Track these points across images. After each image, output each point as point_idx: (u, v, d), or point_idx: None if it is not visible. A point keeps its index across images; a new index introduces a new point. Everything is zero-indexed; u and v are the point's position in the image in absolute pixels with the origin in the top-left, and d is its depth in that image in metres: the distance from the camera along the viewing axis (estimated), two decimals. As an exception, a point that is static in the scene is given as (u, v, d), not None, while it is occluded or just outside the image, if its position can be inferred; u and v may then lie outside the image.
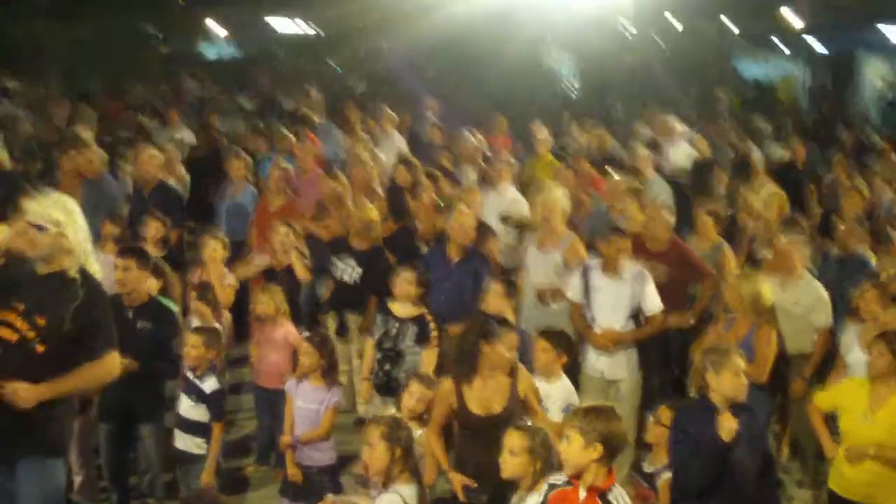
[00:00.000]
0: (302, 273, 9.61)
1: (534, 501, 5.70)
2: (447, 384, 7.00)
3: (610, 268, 8.76)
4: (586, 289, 8.85)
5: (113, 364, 5.99)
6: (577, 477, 5.37)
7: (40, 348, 5.78)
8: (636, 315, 8.78)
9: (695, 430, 6.31)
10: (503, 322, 7.18)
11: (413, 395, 7.00)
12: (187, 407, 7.66)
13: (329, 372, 7.59)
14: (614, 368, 8.74)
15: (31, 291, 5.82)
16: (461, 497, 6.83)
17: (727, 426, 6.12)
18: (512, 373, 6.92)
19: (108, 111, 20.29)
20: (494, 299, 8.18)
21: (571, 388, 7.72)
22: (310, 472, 7.50)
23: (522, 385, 6.91)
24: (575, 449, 5.32)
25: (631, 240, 9.00)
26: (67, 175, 12.57)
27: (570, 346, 8.04)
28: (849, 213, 11.30)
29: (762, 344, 8.04)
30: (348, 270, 9.84)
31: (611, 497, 5.36)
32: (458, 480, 6.86)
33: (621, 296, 8.70)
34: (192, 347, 7.66)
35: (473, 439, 6.85)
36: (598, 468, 5.33)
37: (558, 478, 5.55)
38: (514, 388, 6.87)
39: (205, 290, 8.80)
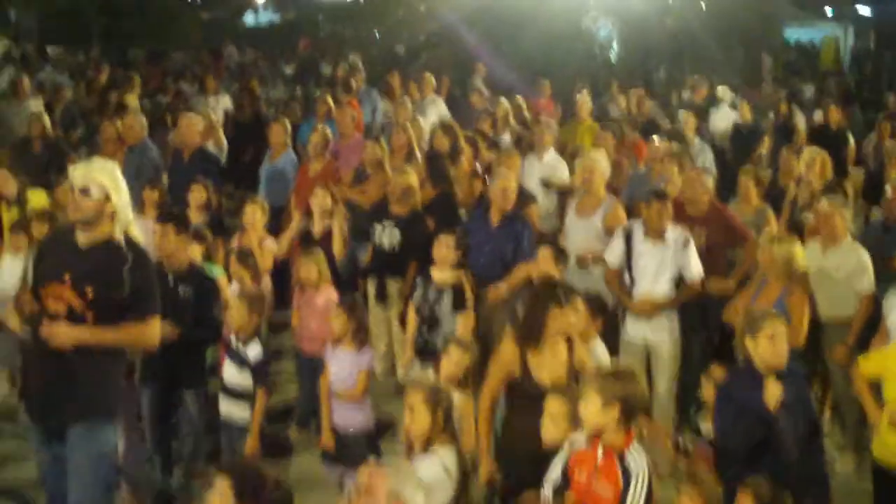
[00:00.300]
0: (338, 247, 9.59)
1: (561, 463, 5.73)
2: (510, 350, 6.78)
3: (653, 232, 8.67)
4: (629, 253, 8.76)
5: (155, 329, 6.05)
6: (596, 436, 5.39)
7: (90, 317, 5.84)
8: (678, 280, 8.69)
9: (739, 396, 6.29)
10: (570, 289, 7.02)
11: (452, 360, 6.97)
12: (231, 373, 7.68)
13: (358, 334, 7.58)
14: (655, 333, 8.68)
15: (77, 262, 5.88)
16: (482, 482, 6.75)
17: (771, 393, 6.08)
18: (570, 342, 6.76)
19: (148, 78, 20.35)
20: (544, 264, 8.13)
21: (605, 351, 7.66)
22: (347, 435, 7.52)
23: (578, 354, 6.73)
24: (593, 409, 5.36)
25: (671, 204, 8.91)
26: (108, 141, 12.68)
27: (604, 308, 7.97)
28: (894, 177, 11.16)
29: (796, 308, 7.92)
30: (387, 235, 9.84)
31: (628, 457, 5.37)
32: (486, 470, 6.74)
33: (664, 261, 8.62)
34: (235, 313, 7.68)
35: (529, 409, 6.39)
36: (616, 429, 5.35)
37: (579, 437, 5.55)
38: (572, 358, 6.71)
39: (244, 255, 8.83)
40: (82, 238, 5.93)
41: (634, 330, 8.78)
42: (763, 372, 6.20)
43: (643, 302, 8.69)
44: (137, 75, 19.05)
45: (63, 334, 5.76)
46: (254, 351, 7.62)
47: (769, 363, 6.20)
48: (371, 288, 10.05)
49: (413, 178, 10.04)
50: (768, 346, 6.20)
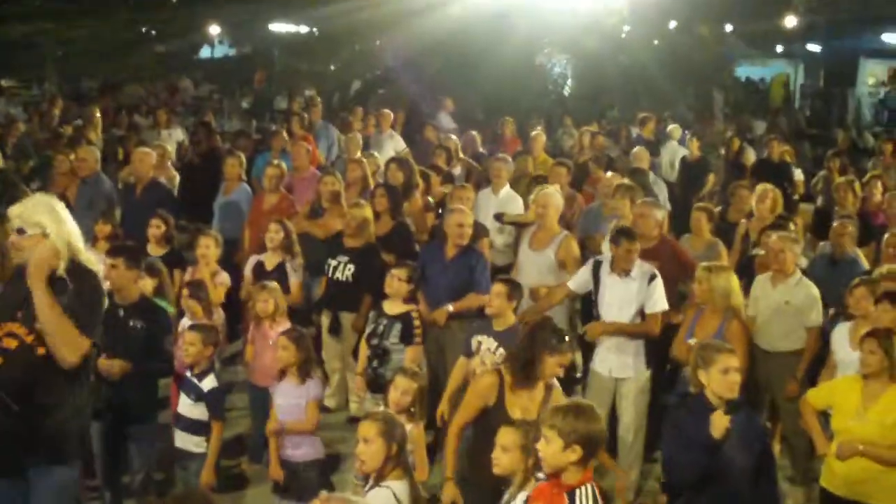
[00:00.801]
0: (295, 291, 9.70)
1: (523, 498, 5.74)
2: (490, 381, 6.91)
3: (618, 268, 8.72)
4: (596, 284, 8.80)
5: (81, 344, 5.85)
6: (555, 475, 5.37)
7: (41, 350, 5.82)
8: (643, 314, 8.73)
9: (687, 427, 6.30)
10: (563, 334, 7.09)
11: (398, 389, 6.99)
12: (186, 405, 7.64)
13: (305, 366, 7.56)
14: (621, 369, 8.71)
15: (27, 299, 5.83)
16: None
17: (719, 424, 6.11)
18: (549, 386, 6.84)
19: (102, 111, 20.28)
20: (497, 300, 8.13)
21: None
22: (297, 468, 7.49)
23: (555, 397, 6.75)
24: (554, 450, 5.29)
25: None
26: (62, 175, 12.65)
27: None
28: (841, 212, 11.34)
29: (735, 339, 7.97)
30: (341, 268, 9.85)
31: (577, 495, 5.31)
32: (450, 494, 6.87)
33: (629, 294, 8.66)
34: (189, 345, 7.64)
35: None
36: (576, 468, 5.32)
37: (541, 474, 5.58)
38: (547, 401, 6.73)
39: (196, 288, 8.80)
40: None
41: (602, 364, 8.78)
42: (715, 404, 6.24)
43: (592, 326, 8.71)
44: (97, 109, 18.98)
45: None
46: (208, 384, 7.59)
47: (722, 395, 6.25)
48: (325, 321, 10.06)
49: (368, 211, 10.07)
50: (721, 380, 6.24)
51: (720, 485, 6.19)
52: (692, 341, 8.18)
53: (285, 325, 8.65)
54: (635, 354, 8.73)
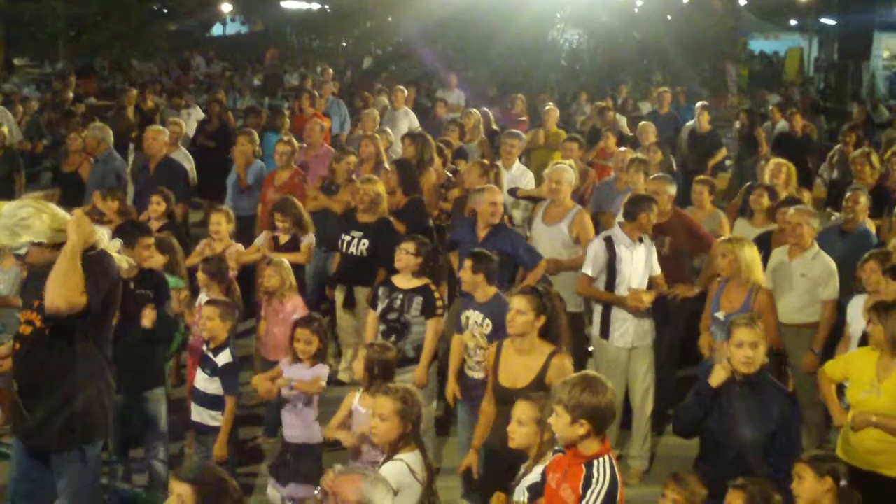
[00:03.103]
0: (304, 250, 9.81)
1: (540, 470, 5.75)
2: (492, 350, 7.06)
3: (636, 236, 8.72)
4: (612, 260, 8.69)
5: (74, 299, 5.74)
6: (572, 447, 5.39)
7: (48, 332, 5.90)
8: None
9: (698, 384, 6.44)
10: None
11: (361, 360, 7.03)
12: (202, 380, 7.64)
13: (318, 353, 7.58)
14: (640, 334, 8.71)
15: (41, 287, 5.86)
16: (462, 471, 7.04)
17: (717, 373, 6.22)
18: (553, 353, 6.81)
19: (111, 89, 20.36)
20: (464, 274, 8.01)
21: None
22: (294, 450, 7.48)
23: (552, 373, 6.68)
24: (563, 424, 5.33)
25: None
26: (75, 153, 12.68)
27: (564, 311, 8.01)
28: (857, 185, 11.29)
29: (764, 310, 8.03)
30: (355, 243, 9.85)
31: (595, 465, 5.34)
32: (467, 461, 7.07)
33: (647, 260, 8.72)
34: (208, 319, 7.65)
35: (499, 410, 6.85)
36: (591, 440, 5.34)
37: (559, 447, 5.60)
38: (544, 371, 6.73)
39: (209, 263, 8.81)
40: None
41: (622, 338, 8.72)
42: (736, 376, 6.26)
43: (635, 295, 8.56)
44: (102, 86, 19.04)
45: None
46: (223, 359, 7.59)
47: (737, 369, 6.25)
48: (340, 296, 10.06)
49: (380, 186, 10.05)
50: (735, 353, 6.25)
51: (723, 454, 6.23)
52: (719, 314, 8.20)
53: (296, 300, 8.68)
54: (651, 325, 8.76)
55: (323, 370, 7.56)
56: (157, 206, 10.19)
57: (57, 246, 5.81)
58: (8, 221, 5.93)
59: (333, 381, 7.91)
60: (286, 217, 9.90)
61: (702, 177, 11.44)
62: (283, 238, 9.94)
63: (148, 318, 7.54)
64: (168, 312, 7.91)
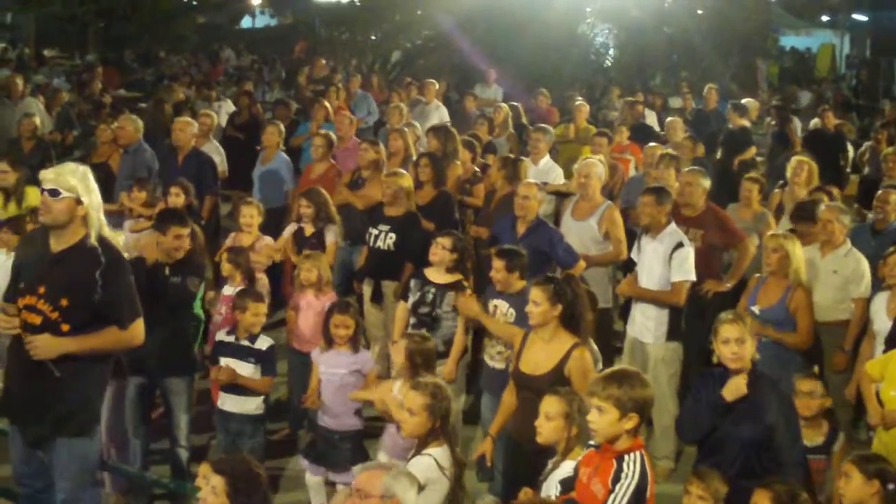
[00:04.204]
0: (329, 249, 9.76)
1: (569, 467, 5.71)
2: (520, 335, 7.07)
3: (643, 225, 8.72)
4: (638, 251, 8.81)
5: (137, 331, 6.03)
6: (609, 443, 5.36)
7: (65, 328, 5.83)
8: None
9: (703, 386, 6.31)
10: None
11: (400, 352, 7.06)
12: (238, 369, 7.63)
13: (356, 338, 7.60)
14: (642, 330, 8.69)
15: (51, 273, 5.87)
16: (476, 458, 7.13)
17: (733, 387, 6.08)
18: (572, 347, 6.77)
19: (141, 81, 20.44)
20: (497, 274, 7.95)
21: (594, 348, 7.67)
22: (332, 438, 7.50)
23: (571, 364, 6.69)
24: (609, 420, 5.29)
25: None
26: (104, 143, 12.72)
27: (594, 305, 8.01)
28: (889, 182, 11.20)
29: (800, 307, 8.04)
30: (382, 237, 9.81)
31: (626, 460, 5.33)
32: (482, 449, 7.07)
33: (655, 257, 8.60)
34: (252, 315, 7.67)
35: (519, 398, 6.89)
36: (628, 435, 5.33)
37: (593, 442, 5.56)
38: (564, 361, 6.71)
39: (234, 253, 8.80)
40: (55, 243, 5.92)
41: (631, 325, 8.82)
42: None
43: (622, 284, 8.86)
44: (131, 77, 19.12)
45: (45, 346, 5.77)
46: (264, 343, 7.66)
47: (725, 364, 6.17)
48: (367, 290, 10.03)
49: (406, 179, 10.01)
50: (721, 349, 6.16)
51: (724, 453, 6.14)
52: (755, 308, 8.16)
53: (331, 295, 8.70)
54: (657, 321, 8.65)
55: (367, 361, 7.60)
56: (175, 197, 10.10)
57: (78, 221, 5.85)
58: (77, 168, 6.03)
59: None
60: (310, 203, 9.88)
61: (752, 174, 11.33)
62: (308, 230, 9.90)
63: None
64: (191, 288, 7.89)
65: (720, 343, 6.17)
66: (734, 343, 6.12)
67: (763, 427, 6.06)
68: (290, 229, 10.09)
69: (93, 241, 5.87)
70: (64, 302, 5.80)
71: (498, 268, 7.88)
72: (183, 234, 7.89)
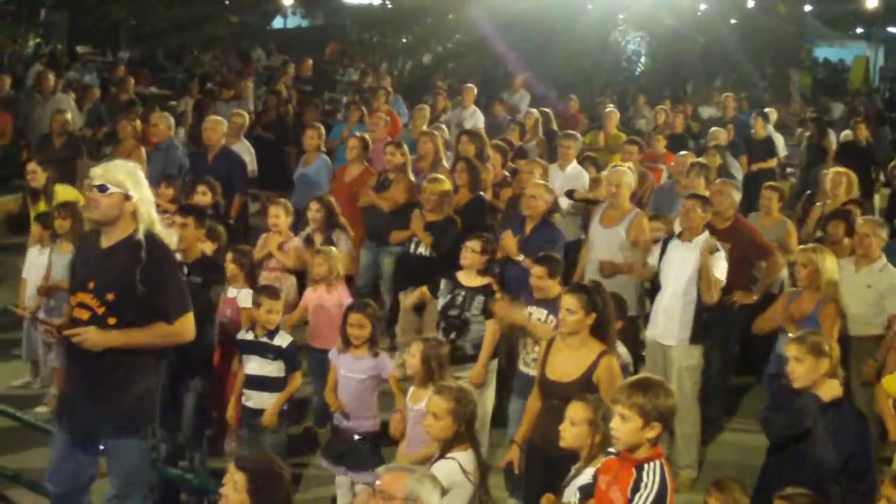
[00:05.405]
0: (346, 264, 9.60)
1: (591, 472, 5.70)
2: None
3: (683, 228, 8.72)
4: (661, 257, 8.77)
5: (185, 327, 6.03)
6: (629, 451, 5.33)
7: (111, 321, 5.84)
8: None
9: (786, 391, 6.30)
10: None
11: (413, 355, 6.96)
12: (255, 366, 7.68)
13: (374, 342, 7.56)
14: (665, 333, 8.63)
15: (99, 269, 5.90)
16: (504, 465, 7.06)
17: (832, 388, 6.03)
18: (601, 355, 6.73)
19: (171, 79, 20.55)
20: (539, 282, 7.94)
21: (626, 353, 7.64)
22: (352, 439, 7.48)
23: (600, 372, 6.65)
24: (631, 428, 5.25)
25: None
26: (126, 139, 12.79)
27: (624, 310, 7.99)
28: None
29: (829, 319, 7.96)
30: (422, 243, 9.78)
31: (645, 469, 5.29)
32: (509, 457, 7.01)
33: (687, 260, 8.54)
34: (266, 311, 7.68)
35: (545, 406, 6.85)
36: (649, 444, 5.29)
37: (613, 450, 5.54)
38: (593, 369, 6.67)
39: (240, 254, 8.77)
40: (105, 239, 5.94)
41: (652, 328, 8.77)
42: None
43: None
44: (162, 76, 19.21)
45: (93, 338, 5.79)
46: (283, 339, 7.68)
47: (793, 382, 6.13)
48: (405, 296, 9.90)
49: (447, 185, 9.97)
50: (792, 366, 6.13)
51: (794, 476, 5.98)
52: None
53: (341, 290, 8.70)
54: (681, 324, 8.57)
55: (386, 366, 7.56)
56: (202, 195, 10.09)
57: (127, 216, 5.86)
58: (127, 164, 6.08)
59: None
60: (321, 207, 9.84)
61: (772, 183, 11.30)
62: (318, 238, 9.76)
63: None
64: (213, 296, 7.92)
65: (791, 360, 6.13)
66: (793, 361, 6.10)
67: (836, 453, 5.99)
68: (299, 238, 9.96)
69: (139, 236, 5.87)
70: (110, 297, 5.82)
71: (539, 274, 7.87)
72: (203, 232, 7.92)
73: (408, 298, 8.78)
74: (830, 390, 6.03)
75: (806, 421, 6.06)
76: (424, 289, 8.93)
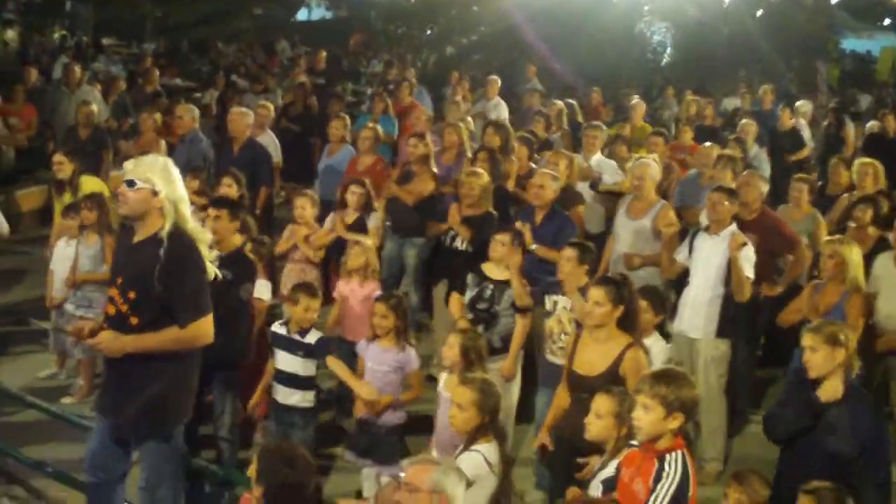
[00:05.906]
0: (372, 232, 9.80)
1: (615, 465, 5.71)
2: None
3: (710, 221, 8.69)
4: (690, 251, 8.73)
5: (199, 332, 5.97)
6: (651, 442, 5.32)
7: (133, 320, 5.86)
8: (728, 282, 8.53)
9: (792, 387, 6.32)
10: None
11: (451, 346, 6.97)
12: (286, 361, 7.67)
13: (401, 334, 7.54)
14: (691, 326, 8.58)
15: (126, 264, 5.95)
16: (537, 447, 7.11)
17: (828, 387, 5.98)
18: (627, 347, 6.73)
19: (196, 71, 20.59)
20: (567, 264, 7.80)
21: (664, 347, 7.61)
22: (378, 432, 7.48)
23: (626, 364, 6.65)
24: (653, 418, 5.25)
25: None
26: (147, 132, 12.82)
27: (663, 303, 7.96)
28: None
29: (855, 311, 7.90)
30: (459, 238, 9.77)
31: (667, 459, 5.28)
32: (540, 439, 7.06)
33: (715, 253, 8.50)
34: (303, 310, 7.65)
35: (572, 398, 6.86)
36: (671, 434, 5.28)
37: (635, 441, 5.54)
38: (619, 362, 6.67)
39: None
40: (136, 234, 5.97)
41: (679, 322, 8.71)
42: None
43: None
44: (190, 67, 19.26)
45: (107, 345, 5.85)
46: (314, 336, 7.65)
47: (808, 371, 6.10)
48: (442, 290, 9.89)
49: (486, 179, 9.90)
50: (807, 356, 6.09)
51: (808, 468, 5.94)
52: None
53: (374, 284, 8.71)
54: (707, 318, 8.52)
55: (412, 360, 7.54)
56: (227, 188, 10.01)
57: (155, 212, 5.86)
58: (157, 159, 6.10)
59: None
60: (360, 189, 9.92)
61: (802, 175, 11.19)
62: (350, 217, 9.92)
63: None
64: (244, 295, 7.87)
65: (807, 349, 6.09)
66: (808, 350, 6.05)
67: (852, 443, 5.95)
68: (330, 218, 10.12)
69: (163, 234, 5.85)
70: (132, 294, 5.84)
71: (569, 257, 7.77)
72: (235, 226, 7.93)
73: (451, 305, 8.70)
74: (830, 391, 5.99)
75: (807, 419, 6.05)
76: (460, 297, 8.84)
